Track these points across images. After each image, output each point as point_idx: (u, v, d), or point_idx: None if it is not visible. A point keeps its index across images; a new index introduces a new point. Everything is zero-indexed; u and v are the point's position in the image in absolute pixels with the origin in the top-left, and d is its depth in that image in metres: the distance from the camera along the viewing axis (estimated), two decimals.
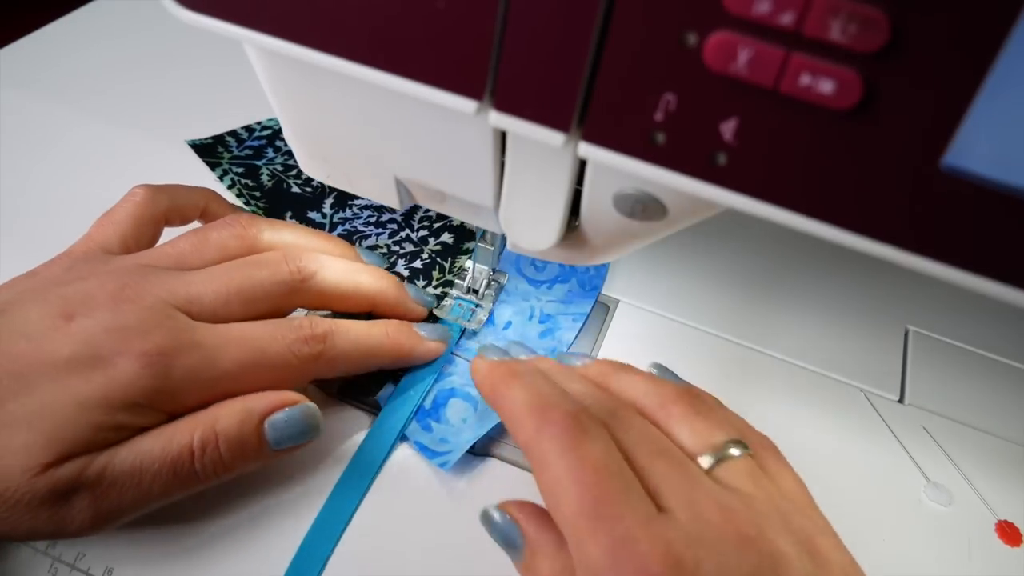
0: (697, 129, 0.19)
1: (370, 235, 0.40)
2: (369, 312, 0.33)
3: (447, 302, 0.37)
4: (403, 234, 0.40)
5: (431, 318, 0.36)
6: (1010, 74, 0.15)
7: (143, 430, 0.25)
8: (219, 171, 0.43)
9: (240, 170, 0.43)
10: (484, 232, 0.34)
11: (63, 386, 0.24)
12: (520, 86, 0.20)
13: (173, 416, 0.26)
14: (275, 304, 0.29)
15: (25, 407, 0.24)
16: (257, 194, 0.42)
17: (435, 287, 0.38)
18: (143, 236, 0.31)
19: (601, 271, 0.40)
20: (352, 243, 0.39)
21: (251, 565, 0.28)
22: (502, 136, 0.24)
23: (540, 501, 0.24)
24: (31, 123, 0.45)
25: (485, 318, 0.36)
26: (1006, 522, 0.32)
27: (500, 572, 0.25)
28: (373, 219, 0.41)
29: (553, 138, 0.21)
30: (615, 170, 0.21)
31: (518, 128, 0.21)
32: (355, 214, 0.41)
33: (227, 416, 0.26)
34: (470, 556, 0.28)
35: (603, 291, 0.39)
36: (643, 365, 0.36)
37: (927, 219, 0.18)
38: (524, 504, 0.25)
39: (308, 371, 0.29)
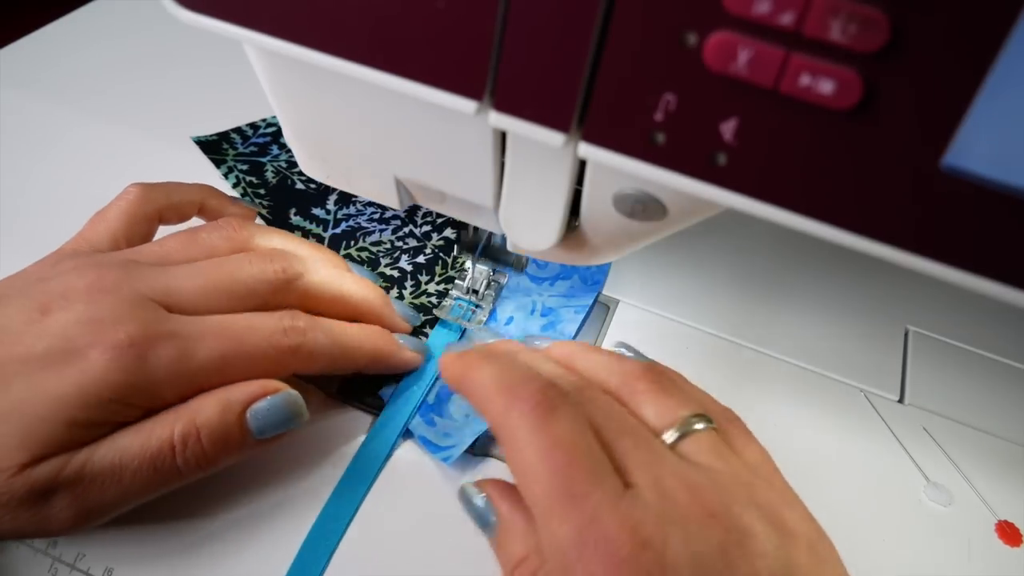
0: (697, 129, 0.19)
1: (373, 231, 0.40)
2: (354, 320, 0.33)
3: (447, 302, 0.37)
4: (406, 230, 0.40)
5: (431, 318, 0.36)
6: (1010, 74, 0.15)
7: (122, 425, 0.25)
8: (224, 168, 0.43)
9: (245, 167, 0.43)
10: (464, 234, 0.34)
11: (36, 383, 0.24)
12: (520, 86, 0.20)
13: (152, 412, 0.26)
14: (258, 303, 0.29)
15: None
16: (262, 191, 0.42)
17: (438, 283, 0.38)
18: (135, 234, 0.31)
19: (603, 267, 0.40)
20: (356, 239, 0.39)
21: (252, 565, 0.28)
22: (502, 136, 0.24)
23: None
24: (31, 123, 0.45)
25: (485, 318, 0.36)
26: (1006, 522, 0.32)
27: (500, 571, 0.25)
28: (376, 215, 0.41)
29: (553, 138, 0.21)
30: (615, 170, 0.21)
31: (518, 128, 0.21)
32: (359, 211, 0.41)
33: (207, 408, 0.26)
34: (471, 555, 0.28)
35: (603, 291, 0.39)
36: None
37: (927, 219, 0.18)
38: (499, 483, 0.25)
39: (286, 364, 0.28)
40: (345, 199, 0.42)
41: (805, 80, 0.17)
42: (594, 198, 0.25)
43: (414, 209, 0.42)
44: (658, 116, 0.19)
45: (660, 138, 0.19)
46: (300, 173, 0.43)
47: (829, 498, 0.32)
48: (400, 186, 0.29)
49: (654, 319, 0.38)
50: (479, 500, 0.25)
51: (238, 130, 0.46)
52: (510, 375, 0.24)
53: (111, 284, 0.26)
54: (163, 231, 0.33)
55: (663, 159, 0.20)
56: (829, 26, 0.16)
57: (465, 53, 0.20)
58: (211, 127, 0.46)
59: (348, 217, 0.41)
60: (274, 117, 0.47)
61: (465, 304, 0.36)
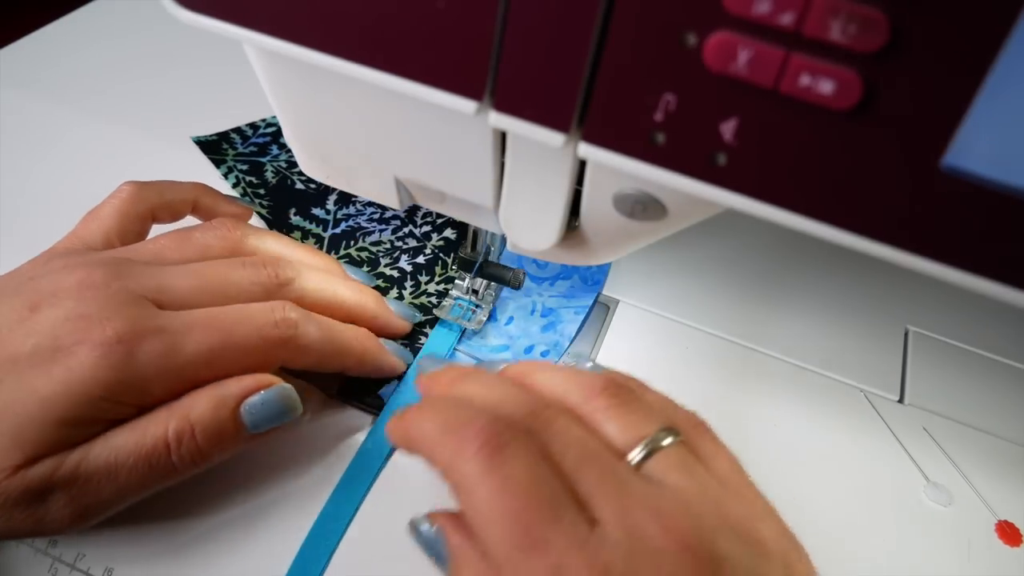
0: (697, 129, 0.19)
1: (373, 231, 0.40)
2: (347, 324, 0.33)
3: (447, 302, 0.37)
4: (406, 230, 0.40)
5: (432, 318, 0.36)
6: (1010, 74, 0.15)
7: (116, 422, 0.25)
8: (224, 168, 0.43)
9: (244, 167, 0.43)
10: (466, 241, 0.34)
11: (26, 383, 0.24)
12: (520, 86, 0.20)
13: (144, 409, 0.25)
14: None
15: None
16: (261, 191, 0.42)
17: (438, 283, 0.38)
18: (128, 233, 0.31)
19: (603, 267, 0.40)
20: (355, 239, 0.39)
21: (253, 564, 0.28)
22: (502, 136, 0.24)
23: None
24: (31, 123, 0.45)
25: (485, 318, 0.36)
26: (1006, 522, 0.32)
27: None
28: (376, 216, 0.41)
29: (553, 138, 0.21)
30: (615, 170, 0.21)
31: (518, 128, 0.21)
32: (358, 211, 0.41)
33: (201, 404, 0.26)
34: None
35: (603, 291, 0.39)
36: (643, 365, 0.36)
37: (927, 219, 0.18)
38: (451, 515, 0.23)
39: (276, 356, 0.28)
40: (345, 199, 0.42)
41: (805, 80, 0.17)
42: (594, 198, 0.25)
43: (414, 209, 0.42)
44: (658, 116, 0.19)
45: (660, 138, 0.19)
46: (300, 173, 0.43)
47: (829, 498, 0.32)
48: (400, 186, 0.29)
49: (654, 319, 0.38)
50: (429, 532, 0.23)
51: (238, 130, 0.46)
52: (453, 417, 0.22)
53: (100, 281, 0.26)
54: (158, 230, 0.33)
55: (663, 159, 0.20)
56: (829, 26, 0.16)
57: (465, 53, 0.20)
58: (211, 127, 0.46)
59: (348, 217, 0.41)
60: (274, 117, 0.47)
61: (465, 304, 0.36)
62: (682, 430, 0.24)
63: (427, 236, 0.40)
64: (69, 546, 0.28)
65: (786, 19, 0.16)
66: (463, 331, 0.36)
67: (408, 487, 0.30)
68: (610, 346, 0.36)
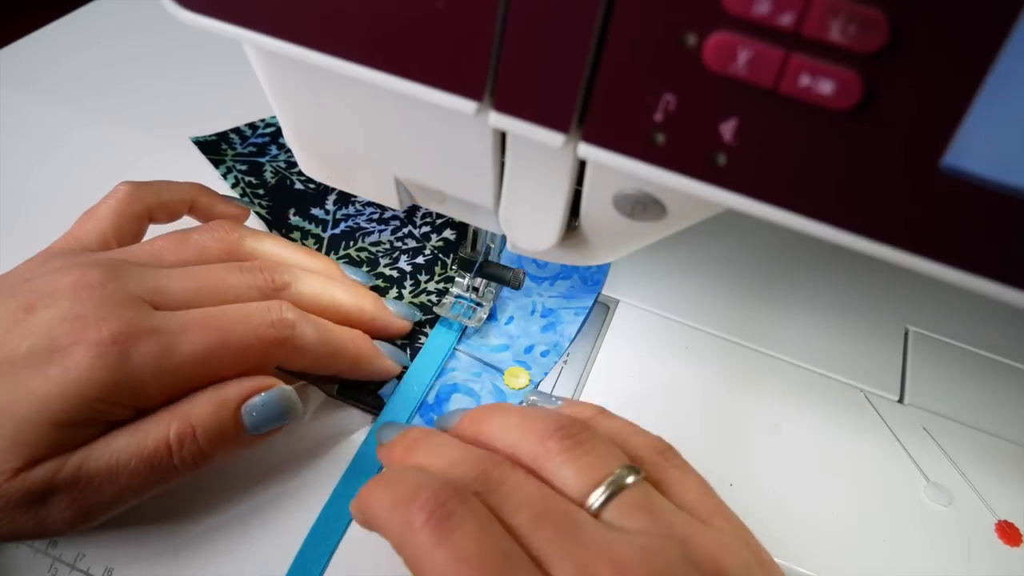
0: (697, 129, 0.19)
1: (372, 231, 0.40)
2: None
3: (447, 300, 0.37)
4: (405, 230, 0.40)
5: (432, 317, 0.36)
6: (1010, 74, 0.15)
7: (115, 424, 0.25)
8: (223, 168, 0.43)
9: (244, 167, 0.43)
10: (466, 241, 0.34)
11: (22, 385, 0.24)
12: (520, 86, 0.20)
13: (141, 410, 0.25)
14: None
15: None
16: (260, 191, 0.42)
17: (437, 283, 0.38)
18: (125, 233, 0.31)
19: (603, 267, 0.40)
20: (355, 240, 0.39)
21: (253, 563, 0.28)
22: (502, 136, 0.24)
23: None
24: (31, 123, 0.45)
25: (485, 316, 0.36)
26: (1006, 522, 0.32)
27: None
28: (376, 216, 0.41)
29: (553, 139, 0.21)
30: (615, 170, 0.21)
31: (518, 128, 0.21)
32: (358, 211, 0.41)
33: (201, 406, 0.26)
34: None
35: (603, 291, 0.39)
36: (643, 365, 0.36)
37: (927, 219, 0.18)
38: None
39: (272, 357, 0.28)
40: (344, 199, 0.42)
41: (805, 80, 0.17)
42: (594, 198, 0.25)
43: (413, 210, 0.42)
44: (658, 116, 0.19)
45: (660, 138, 0.19)
46: (299, 173, 0.43)
47: (829, 498, 0.32)
48: (400, 186, 0.29)
49: (654, 319, 0.38)
50: None
51: (237, 130, 0.46)
52: (401, 489, 0.22)
53: (96, 281, 0.26)
54: (156, 230, 0.33)
55: (663, 159, 0.20)
56: (829, 27, 0.16)
57: (465, 53, 0.20)
58: (210, 127, 0.46)
59: (347, 217, 0.41)
60: (273, 117, 0.47)
61: (466, 302, 0.36)
62: (646, 461, 0.24)
63: (426, 236, 0.40)
64: (69, 546, 0.28)
65: (786, 19, 0.16)
66: (463, 330, 0.36)
67: None
68: (610, 346, 0.36)
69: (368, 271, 0.38)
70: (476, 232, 0.34)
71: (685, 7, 0.17)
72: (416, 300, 0.37)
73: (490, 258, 0.35)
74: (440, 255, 0.39)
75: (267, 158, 0.44)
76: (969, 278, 0.19)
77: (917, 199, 0.18)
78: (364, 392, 0.33)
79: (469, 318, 0.36)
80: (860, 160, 0.18)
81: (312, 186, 0.42)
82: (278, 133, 0.46)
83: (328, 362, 0.30)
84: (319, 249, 0.39)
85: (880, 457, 0.34)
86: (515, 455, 0.24)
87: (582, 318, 0.37)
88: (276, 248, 0.32)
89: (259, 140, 0.45)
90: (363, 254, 0.39)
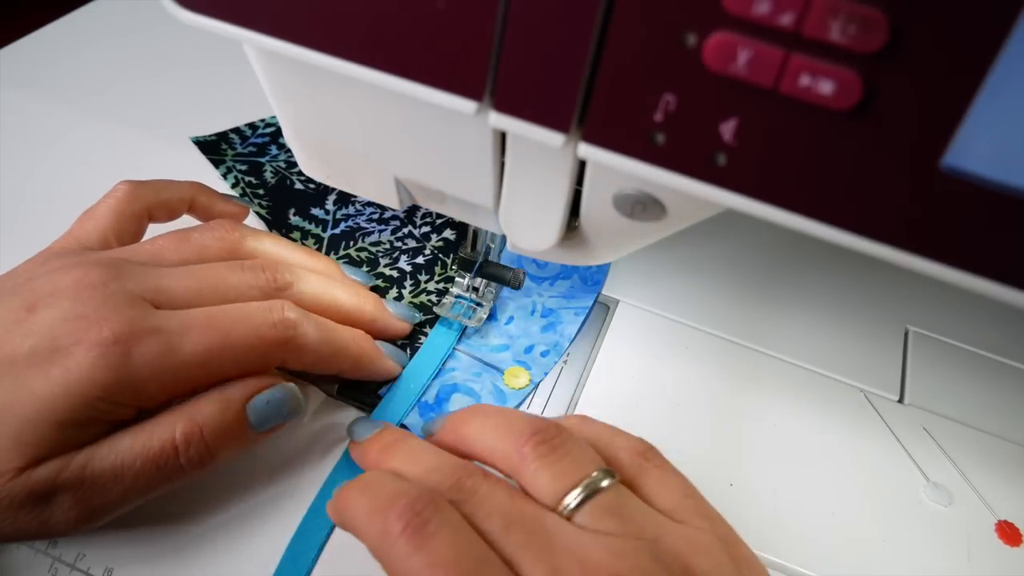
0: (697, 129, 0.19)
1: (372, 231, 0.40)
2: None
3: (447, 299, 0.37)
4: (405, 230, 0.40)
5: (432, 317, 0.36)
6: (1010, 74, 0.15)
7: (118, 424, 0.25)
8: (223, 168, 0.43)
9: (244, 167, 0.43)
10: (466, 241, 0.34)
11: (23, 384, 0.24)
12: (520, 86, 0.20)
13: (143, 410, 0.26)
14: None
15: None
16: (260, 191, 0.42)
17: (437, 282, 0.38)
18: (124, 232, 0.31)
19: (603, 267, 0.40)
20: (355, 240, 0.39)
21: (253, 564, 0.28)
22: (502, 136, 0.24)
23: None
24: (31, 123, 0.45)
25: (485, 316, 0.36)
26: (1006, 522, 0.32)
27: None
28: (376, 216, 0.41)
29: (553, 139, 0.21)
30: (615, 170, 0.21)
31: (518, 129, 0.21)
32: (358, 211, 0.41)
33: (207, 406, 0.26)
34: None
35: (603, 291, 0.39)
36: (643, 365, 0.36)
37: (927, 219, 0.18)
38: None
39: (274, 357, 0.28)
40: (344, 199, 0.42)
41: (805, 80, 0.17)
42: (594, 198, 0.25)
43: (413, 210, 0.42)
44: (658, 116, 0.19)
45: (660, 138, 0.19)
46: (299, 173, 0.43)
47: (829, 498, 0.32)
48: (400, 186, 0.29)
49: (654, 319, 0.38)
50: None
51: (237, 130, 0.46)
52: (379, 496, 0.22)
53: (97, 281, 0.26)
54: (155, 231, 0.33)
55: (663, 159, 0.20)
56: (829, 27, 0.16)
57: (465, 53, 0.20)
58: (210, 127, 0.46)
59: (347, 217, 0.41)
60: (273, 117, 0.47)
61: (466, 302, 0.36)
62: (624, 463, 0.24)
63: (426, 237, 0.40)
64: (69, 546, 0.28)
65: (786, 19, 0.16)
66: (463, 329, 0.36)
67: None
68: (610, 346, 0.36)
69: (368, 271, 0.38)
70: (476, 232, 0.34)
71: (685, 7, 0.17)
72: (416, 300, 0.37)
73: (490, 258, 0.35)
74: (440, 255, 0.39)
75: (267, 158, 0.44)
76: (969, 278, 0.19)
77: (917, 199, 0.18)
78: (364, 392, 0.33)
79: (469, 318, 0.36)
80: (860, 160, 0.18)
81: (312, 186, 0.42)
82: (278, 133, 0.46)
83: (330, 362, 0.30)
84: (319, 249, 0.39)
85: (880, 457, 0.34)
86: (492, 460, 0.24)
87: (582, 318, 0.37)
88: (277, 247, 0.32)
89: (259, 140, 0.45)
90: (363, 254, 0.39)
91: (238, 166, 0.43)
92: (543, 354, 0.35)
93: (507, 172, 0.25)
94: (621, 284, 0.39)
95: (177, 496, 0.28)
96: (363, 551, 0.28)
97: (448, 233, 0.41)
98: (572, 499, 0.22)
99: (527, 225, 0.27)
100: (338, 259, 0.38)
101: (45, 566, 0.28)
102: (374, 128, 0.26)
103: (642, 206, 0.24)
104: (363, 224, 0.41)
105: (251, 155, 0.44)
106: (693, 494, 0.24)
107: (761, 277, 0.41)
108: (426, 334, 0.36)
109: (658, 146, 0.20)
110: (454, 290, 0.37)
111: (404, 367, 0.34)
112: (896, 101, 0.17)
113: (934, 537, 0.31)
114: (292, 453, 0.31)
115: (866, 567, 0.30)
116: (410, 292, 0.37)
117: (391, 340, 0.34)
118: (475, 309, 0.36)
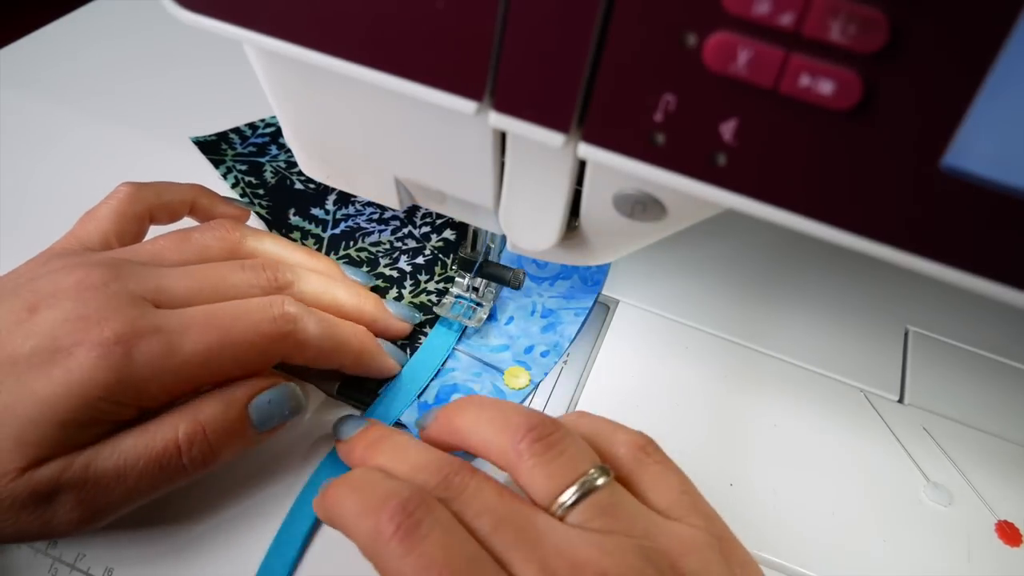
0: (697, 129, 0.19)
1: (372, 232, 0.40)
2: None
3: (447, 299, 0.37)
4: (405, 231, 0.40)
5: (432, 317, 0.36)
6: (1010, 74, 0.15)
7: (121, 424, 0.25)
8: (223, 168, 0.43)
9: (244, 167, 0.43)
10: (466, 241, 0.34)
11: (25, 385, 0.24)
12: (520, 87, 0.20)
13: (145, 410, 0.26)
14: None
15: None
16: (260, 191, 0.42)
17: (437, 282, 0.38)
18: (126, 233, 0.31)
19: (603, 267, 0.40)
20: (355, 240, 0.39)
21: (253, 564, 0.28)
22: (502, 137, 0.24)
23: None
24: (31, 123, 0.45)
25: (485, 316, 0.36)
26: (1006, 522, 0.32)
27: None
28: (376, 216, 0.41)
29: (553, 139, 0.21)
30: (615, 170, 0.21)
31: (518, 129, 0.21)
32: (358, 211, 0.41)
33: (209, 405, 0.26)
34: None
35: (603, 291, 0.39)
36: (643, 365, 0.36)
37: (927, 219, 0.18)
38: None
39: (275, 352, 0.28)
40: (344, 199, 0.42)
41: (805, 80, 0.17)
42: (594, 198, 0.25)
43: (413, 210, 0.42)
44: (658, 116, 0.19)
45: (660, 138, 0.19)
46: (299, 173, 0.43)
47: (829, 498, 0.32)
48: (400, 186, 0.29)
49: (654, 319, 0.38)
50: None
51: (237, 130, 0.46)
52: (369, 496, 0.22)
53: (99, 281, 0.26)
54: (156, 231, 0.33)
55: (663, 159, 0.20)
56: (829, 27, 0.16)
57: (465, 53, 0.20)
58: (210, 127, 0.46)
59: (347, 217, 0.41)
60: (273, 117, 0.47)
61: (466, 302, 0.36)
62: (623, 458, 0.24)
63: (426, 237, 0.40)
64: (69, 546, 0.28)
65: (786, 19, 0.16)
66: (463, 330, 0.36)
67: None
68: (610, 346, 0.36)
69: (368, 271, 0.38)
70: (476, 232, 0.34)
71: (685, 7, 0.17)
72: (416, 300, 0.37)
73: (490, 258, 0.35)
74: (440, 255, 0.39)
75: (267, 158, 0.44)
76: (969, 278, 0.19)
77: (917, 199, 0.18)
78: (364, 392, 0.33)
79: (469, 318, 0.36)
80: (860, 160, 0.18)
81: (312, 186, 0.42)
82: (278, 133, 0.46)
83: (332, 356, 0.30)
84: (319, 249, 0.39)
85: (880, 457, 0.34)
86: (488, 454, 0.24)
87: (582, 318, 0.37)
88: (277, 247, 0.32)
89: (259, 140, 0.45)
90: (363, 254, 0.39)
91: (238, 166, 0.43)
92: (543, 354, 0.35)
93: (507, 172, 0.25)
94: (621, 284, 0.39)
95: (177, 496, 0.28)
96: (350, 546, 0.28)
97: (448, 233, 0.41)
98: (567, 497, 0.22)
99: (527, 225, 0.27)
100: (338, 259, 0.38)
101: (45, 566, 0.28)
102: (374, 128, 0.26)
103: (642, 206, 0.24)
104: (363, 224, 0.41)
105: (251, 155, 0.44)
106: (690, 491, 0.24)
107: (761, 277, 0.41)
108: (426, 334, 0.36)
109: (658, 146, 0.20)
110: (454, 290, 0.37)
111: (403, 364, 0.34)
112: (896, 101, 0.17)
113: (934, 537, 0.31)
114: (293, 452, 0.31)
115: (866, 567, 0.30)
116: (410, 292, 0.37)
117: (391, 340, 0.34)
118: (475, 309, 0.36)
